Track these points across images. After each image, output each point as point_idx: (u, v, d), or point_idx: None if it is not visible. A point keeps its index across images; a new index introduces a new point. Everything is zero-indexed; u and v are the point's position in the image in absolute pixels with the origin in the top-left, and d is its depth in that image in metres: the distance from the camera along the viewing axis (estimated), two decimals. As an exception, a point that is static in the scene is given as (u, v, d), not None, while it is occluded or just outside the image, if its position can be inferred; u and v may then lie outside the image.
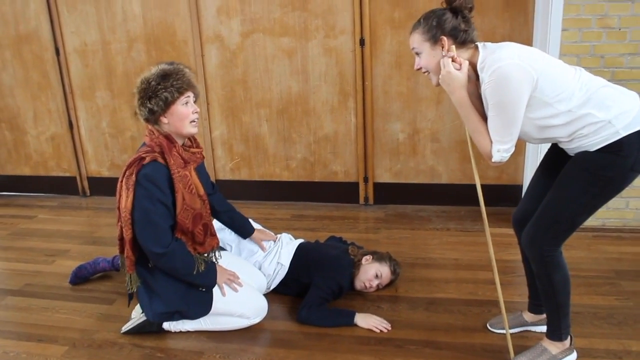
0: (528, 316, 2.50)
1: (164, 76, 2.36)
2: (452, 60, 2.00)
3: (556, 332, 2.21)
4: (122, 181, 2.41)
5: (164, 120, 2.40)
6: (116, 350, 2.55)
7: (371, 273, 2.86)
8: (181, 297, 2.54)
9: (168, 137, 2.42)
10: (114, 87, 4.42)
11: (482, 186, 2.22)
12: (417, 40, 2.06)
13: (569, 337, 2.24)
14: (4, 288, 3.18)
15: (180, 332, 2.64)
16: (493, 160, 2.00)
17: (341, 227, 3.85)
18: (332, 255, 2.92)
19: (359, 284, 2.88)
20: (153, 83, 2.35)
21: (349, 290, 2.88)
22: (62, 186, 4.82)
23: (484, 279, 2.98)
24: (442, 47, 2.01)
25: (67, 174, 4.79)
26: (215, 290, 2.58)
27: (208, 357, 2.47)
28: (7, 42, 4.50)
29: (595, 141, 1.94)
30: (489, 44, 2.04)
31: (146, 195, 2.36)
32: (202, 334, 2.62)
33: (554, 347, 2.23)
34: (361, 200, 4.25)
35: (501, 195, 3.87)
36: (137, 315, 2.68)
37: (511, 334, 2.34)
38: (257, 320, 2.65)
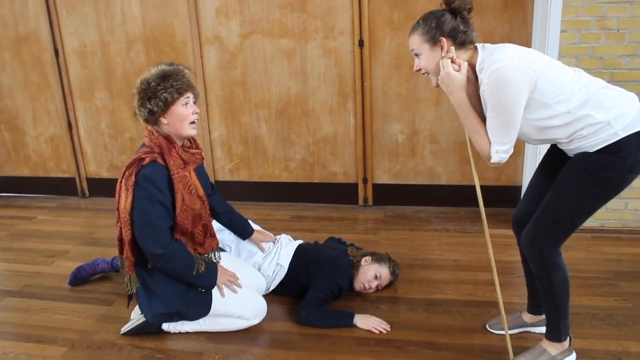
0: (527, 317, 2.50)
1: (164, 77, 2.37)
2: (452, 61, 2.01)
3: (555, 333, 2.21)
4: (121, 182, 2.41)
5: (164, 121, 2.40)
6: (115, 351, 2.55)
7: (370, 274, 2.86)
8: (180, 298, 2.54)
9: (167, 138, 2.42)
10: (113, 88, 4.42)
11: (481, 187, 2.22)
12: (417, 42, 2.06)
13: (568, 338, 2.24)
14: (3, 289, 3.18)
15: (180, 333, 2.64)
16: (492, 161, 2.00)
17: (340, 228, 3.85)
18: (332, 256, 2.92)
19: (358, 285, 2.88)
20: (153, 84, 2.35)
21: (348, 291, 2.88)
22: (61, 187, 4.82)
23: (483, 280, 2.98)
24: (442, 48, 2.01)
25: (66, 175, 4.79)
26: (215, 291, 2.58)
27: (207, 358, 2.47)
28: (6, 43, 4.50)
29: (594, 142, 1.94)
30: (488, 44, 2.05)
31: (145, 196, 2.36)
32: (202, 335, 2.62)
33: (553, 348, 2.23)
34: (360, 201, 4.25)
35: (500, 196, 3.87)
36: (136, 316, 2.68)
37: (510, 334, 2.34)
38: (256, 321, 2.65)
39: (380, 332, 2.58)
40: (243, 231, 2.97)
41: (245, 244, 2.98)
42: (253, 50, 4.05)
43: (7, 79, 4.60)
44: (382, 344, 2.50)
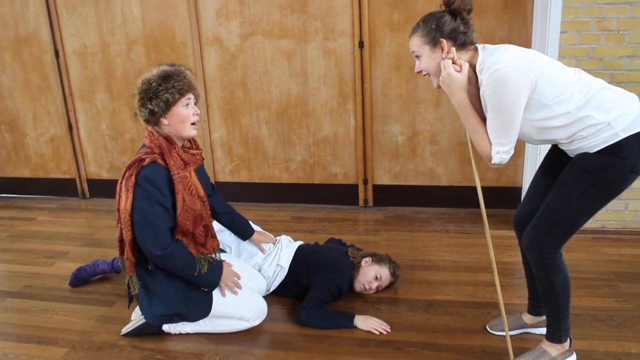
0: (527, 318, 2.50)
1: (165, 77, 2.37)
2: (453, 62, 2.01)
3: (556, 334, 2.21)
4: (121, 182, 2.41)
5: (164, 121, 2.40)
6: (116, 352, 2.55)
7: (370, 275, 2.86)
8: (181, 300, 2.54)
9: (168, 139, 2.42)
10: (114, 89, 4.42)
11: (482, 188, 2.22)
12: (417, 44, 2.06)
13: (568, 339, 2.24)
14: (4, 290, 3.18)
15: (180, 334, 2.63)
16: (493, 162, 2.00)
17: (340, 229, 3.85)
18: (332, 257, 2.93)
19: (358, 286, 2.88)
20: (154, 84, 2.35)
21: (348, 292, 2.88)
22: (61, 188, 4.82)
23: (484, 281, 2.98)
24: (442, 50, 2.01)
25: (67, 176, 4.79)
26: (215, 292, 2.58)
27: (208, 359, 2.47)
28: (7, 44, 4.50)
29: (594, 143, 1.94)
30: (488, 45, 2.05)
31: (145, 197, 2.36)
32: (202, 336, 2.62)
33: (553, 349, 2.23)
34: (360, 202, 4.25)
35: (500, 197, 3.87)
36: (136, 317, 2.68)
37: (511, 336, 2.34)
38: (256, 322, 2.65)
39: (380, 333, 2.58)
40: (243, 232, 2.97)
41: (246, 245, 2.98)
42: (253, 51, 4.06)
43: (7, 80, 4.60)
44: (383, 345, 2.50)
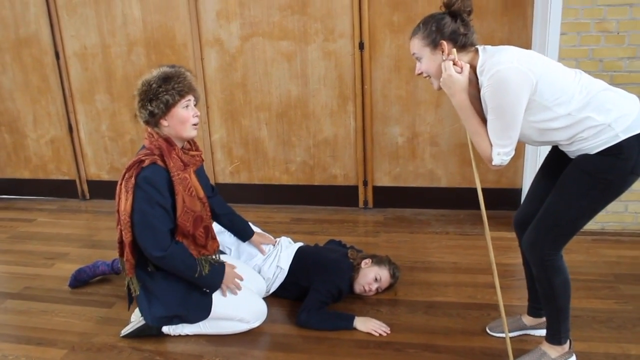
0: (527, 320, 2.50)
1: (166, 79, 2.36)
2: (454, 64, 2.01)
3: (556, 336, 2.21)
4: (121, 184, 2.41)
5: (164, 123, 2.40)
6: (115, 353, 2.55)
7: (370, 276, 2.86)
8: (180, 301, 2.54)
9: (167, 140, 2.42)
10: (114, 90, 4.42)
11: (482, 190, 2.22)
12: (417, 46, 2.06)
13: (568, 341, 2.24)
14: (3, 291, 3.18)
15: (180, 335, 2.63)
16: (493, 163, 2.00)
17: (340, 230, 3.85)
18: (332, 258, 2.93)
19: (358, 288, 2.88)
20: (154, 85, 2.35)
21: (348, 293, 2.88)
22: (61, 189, 4.83)
23: (483, 283, 2.98)
24: (442, 52, 2.01)
25: (67, 177, 4.79)
26: (215, 294, 2.58)
27: (207, 360, 2.47)
28: (7, 45, 4.51)
29: (595, 144, 1.94)
30: (488, 47, 2.05)
31: (145, 198, 2.35)
32: (202, 338, 2.62)
33: (553, 351, 2.23)
34: (360, 204, 4.25)
35: (500, 198, 3.87)
36: (136, 318, 2.68)
37: (510, 337, 2.34)
38: (256, 324, 2.64)
39: (380, 334, 2.57)
40: (243, 233, 2.97)
41: (245, 246, 2.98)
42: (253, 52, 4.06)
43: (7, 82, 4.61)
44: (382, 347, 2.49)
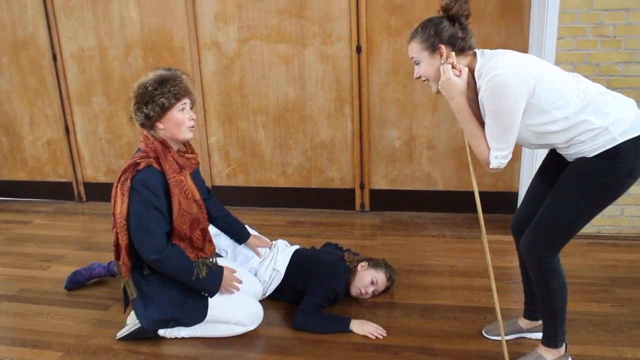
0: (523, 322, 2.50)
1: (162, 82, 2.36)
2: (452, 67, 2.01)
3: (552, 339, 2.22)
4: (117, 187, 2.40)
5: (160, 126, 2.40)
6: (111, 356, 2.54)
7: (367, 279, 2.86)
8: (176, 305, 2.53)
9: (163, 143, 2.42)
10: (111, 92, 4.42)
11: (478, 193, 2.22)
12: (416, 50, 2.07)
13: (564, 344, 2.24)
14: (-1, 293, 3.18)
15: (176, 338, 2.63)
16: (491, 166, 2.01)
17: (337, 233, 3.85)
18: (328, 261, 2.92)
19: (354, 291, 2.88)
20: (150, 88, 2.35)
21: (344, 296, 2.88)
22: (58, 191, 4.82)
23: (480, 286, 2.98)
24: (441, 55, 2.02)
25: (63, 180, 4.78)
26: (211, 297, 2.58)
27: (203, 363, 2.47)
28: (5, 47, 4.50)
29: (592, 147, 1.95)
30: (487, 50, 2.05)
31: (141, 201, 2.35)
32: (198, 340, 2.61)
33: (549, 354, 2.23)
34: (357, 207, 4.25)
35: (497, 202, 3.88)
36: (132, 321, 2.67)
37: (507, 340, 2.34)
38: (252, 327, 2.64)
39: (376, 337, 2.57)
40: (240, 235, 2.97)
41: (242, 249, 2.98)
42: (251, 55, 4.06)
43: (4, 84, 4.60)
44: (379, 350, 2.49)
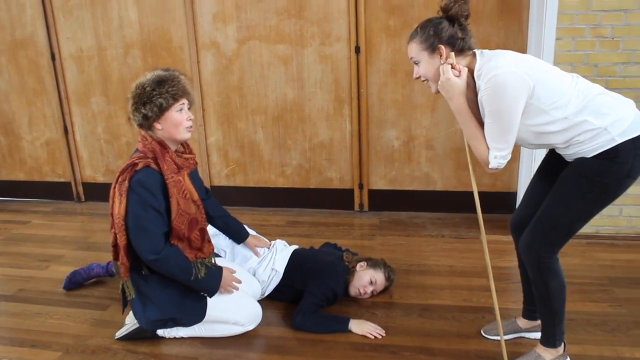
0: (522, 322, 2.50)
1: (159, 82, 2.36)
2: (452, 67, 2.02)
3: (550, 339, 2.22)
4: (115, 187, 2.40)
5: (158, 126, 2.39)
6: (110, 356, 2.54)
7: (365, 279, 2.86)
8: (175, 305, 2.53)
9: (161, 143, 2.42)
10: (110, 92, 4.42)
11: (477, 193, 2.23)
12: (415, 50, 2.07)
13: (562, 344, 2.24)
14: (-3, 293, 3.17)
15: (175, 338, 2.63)
16: (490, 166, 2.01)
17: (336, 233, 3.85)
18: (327, 261, 2.93)
19: (353, 290, 2.88)
20: (148, 89, 2.35)
21: (343, 296, 2.88)
22: (56, 191, 4.81)
23: (478, 286, 2.99)
24: (441, 56, 2.02)
25: (62, 180, 4.78)
26: (210, 298, 2.58)
27: (202, 363, 2.47)
28: (3, 47, 4.50)
29: (591, 148, 1.95)
30: (486, 51, 2.06)
31: (139, 201, 2.35)
32: (196, 340, 2.61)
33: (547, 354, 2.23)
34: (356, 207, 4.26)
35: (496, 202, 3.88)
36: (131, 321, 2.67)
37: (505, 340, 2.34)
38: (251, 327, 2.64)
39: (375, 337, 2.57)
40: (238, 235, 2.97)
41: (240, 249, 2.98)
42: (250, 56, 4.06)
43: (3, 84, 4.60)
44: (377, 350, 2.49)
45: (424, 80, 2.13)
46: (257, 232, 3.12)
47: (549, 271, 2.09)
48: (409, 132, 3.98)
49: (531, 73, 1.92)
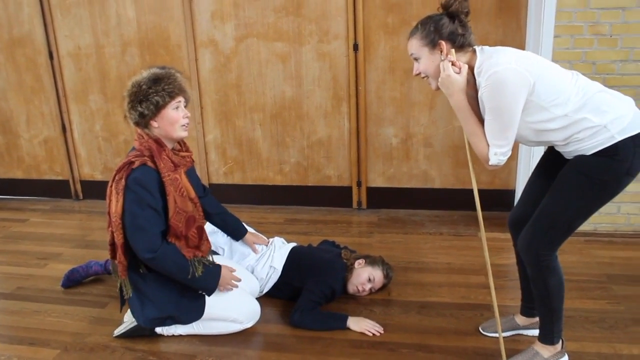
0: (520, 319, 2.51)
1: (156, 80, 2.36)
2: (452, 64, 2.02)
3: (548, 336, 2.22)
4: (111, 186, 2.40)
5: (154, 124, 2.39)
6: (108, 353, 2.54)
7: (364, 277, 2.87)
8: (173, 303, 2.53)
9: (157, 141, 2.41)
10: (108, 90, 4.41)
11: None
12: (415, 46, 2.07)
13: (560, 341, 2.25)
14: (-4, 291, 3.17)
15: (173, 335, 2.63)
16: (490, 163, 2.01)
17: (334, 231, 3.85)
18: (325, 259, 2.93)
19: (351, 288, 2.88)
20: (144, 87, 2.35)
21: (341, 293, 2.88)
22: (54, 189, 4.81)
23: (477, 283, 2.99)
24: (441, 52, 2.02)
25: (60, 178, 4.77)
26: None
27: (200, 360, 2.47)
28: (0, 45, 4.49)
29: (591, 145, 1.95)
30: (486, 47, 2.06)
31: (135, 200, 2.35)
32: (195, 338, 2.61)
33: (545, 351, 2.24)
34: (354, 205, 4.26)
35: (494, 200, 3.87)
36: (129, 318, 2.67)
37: (503, 337, 2.34)
38: (250, 324, 2.64)
39: (373, 334, 2.58)
40: (236, 232, 2.96)
41: (238, 246, 2.98)
42: (248, 53, 4.06)
43: (0, 82, 4.59)
44: (376, 347, 2.50)
45: (424, 77, 2.13)
46: (255, 230, 3.11)
47: (548, 269, 2.10)
48: (407, 130, 3.98)
49: (531, 70, 1.92)
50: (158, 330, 2.62)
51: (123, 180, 2.35)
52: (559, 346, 2.24)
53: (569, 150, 2.02)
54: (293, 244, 3.08)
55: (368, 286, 2.88)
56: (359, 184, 4.18)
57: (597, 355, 2.35)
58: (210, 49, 4.12)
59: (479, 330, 2.55)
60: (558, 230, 2.06)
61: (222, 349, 2.53)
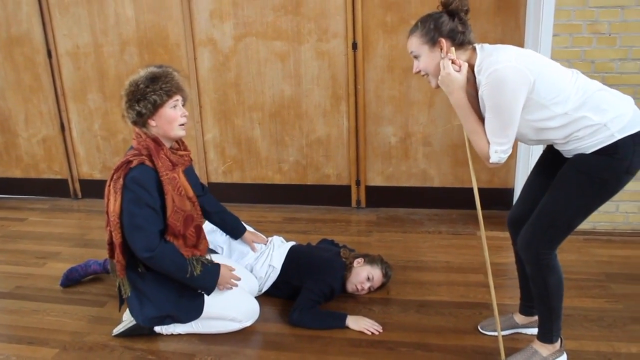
0: (519, 318, 2.51)
1: (153, 79, 2.35)
2: (452, 62, 2.02)
3: (547, 335, 2.22)
4: (110, 185, 2.40)
5: (152, 123, 2.39)
6: (107, 352, 2.54)
7: (363, 275, 2.86)
8: (172, 302, 2.52)
9: (155, 140, 2.41)
10: (106, 89, 4.41)
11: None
12: (415, 44, 2.07)
13: (559, 339, 2.25)
14: (-6, 291, 3.17)
15: (172, 334, 2.63)
16: (491, 161, 2.01)
17: (333, 230, 3.85)
18: (324, 257, 2.93)
19: (350, 287, 2.88)
20: (142, 86, 2.34)
21: (340, 292, 2.88)
22: (53, 188, 4.80)
23: (475, 282, 2.99)
24: (441, 49, 2.02)
25: (59, 177, 4.77)
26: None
27: (199, 359, 2.46)
28: (-1, 44, 4.49)
29: (590, 144, 1.95)
30: (486, 45, 2.06)
31: (133, 199, 2.34)
32: (194, 336, 2.61)
33: (544, 349, 2.24)
34: (353, 203, 4.26)
35: (493, 198, 3.87)
36: (128, 317, 2.67)
37: (502, 336, 2.34)
38: (248, 323, 2.64)
39: (372, 333, 2.58)
40: (235, 231, 2.96)
41: (237, 245, 2.97)
42: (247, 52, 4.06)
43: (-1, 80, 4.59)
44: (375, 345, 2.50)
45: (423, 75, 2.13)
46: (254, 229, 3.11)
47: (548, 268, 2.10)
48: (406, 129, 3.98)
49: (532, 68, 1.92)
50: (157, 329, 2.62)
51: (121, 179, 2.35)
52: (557, 345, 2.24)
53: (569, 149, 2.02)
54: (292, 243, 3.08)
55: (367, 285, 2.88)
56: (357, 182, 4.18)
57: (596, 354, 2.36)
58: (209, 48, 4.11)
59: (478, 329, 2.55)
60: (558, 229, 2.06)
61: (221, 347, 2.53)
